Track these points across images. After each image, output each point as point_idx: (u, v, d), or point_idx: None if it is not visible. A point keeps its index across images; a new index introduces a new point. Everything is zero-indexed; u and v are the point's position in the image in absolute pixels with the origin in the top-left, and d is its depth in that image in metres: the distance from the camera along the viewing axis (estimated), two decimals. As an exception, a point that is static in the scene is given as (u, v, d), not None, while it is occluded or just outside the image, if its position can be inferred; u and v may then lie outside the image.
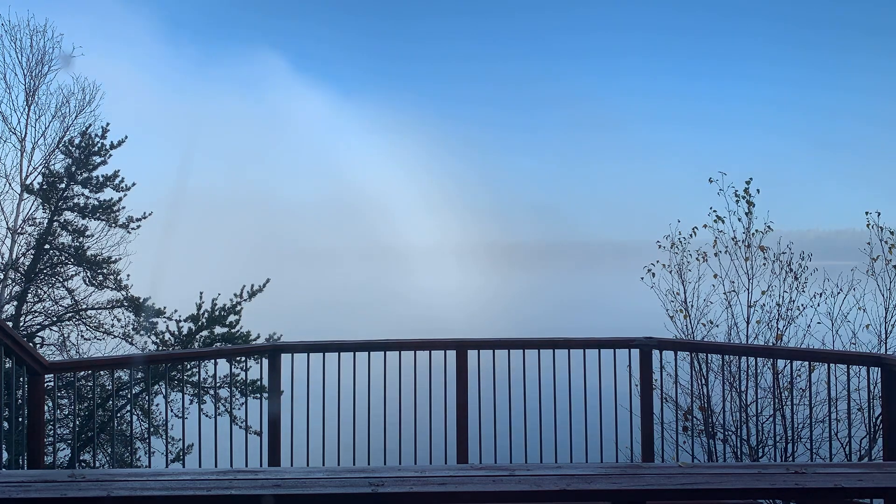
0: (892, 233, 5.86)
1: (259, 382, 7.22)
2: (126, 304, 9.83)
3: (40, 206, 9.86)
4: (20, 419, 4.10)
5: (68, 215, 9.96)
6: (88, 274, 9.87)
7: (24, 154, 9.93)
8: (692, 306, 6.33)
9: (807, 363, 5.19)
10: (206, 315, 9.30)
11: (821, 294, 5.98)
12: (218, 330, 9.33)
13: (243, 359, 6.71)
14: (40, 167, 10.00)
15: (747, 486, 2.58)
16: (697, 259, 6.41)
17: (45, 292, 9.86)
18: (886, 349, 5.69)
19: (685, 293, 6.36)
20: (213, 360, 5.61)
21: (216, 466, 4.67)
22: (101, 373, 7.21)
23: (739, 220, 6.23)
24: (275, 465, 4.70)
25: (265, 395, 4.98)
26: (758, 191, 6.20)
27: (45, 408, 5.53)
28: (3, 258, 9.57)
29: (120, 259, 10.09)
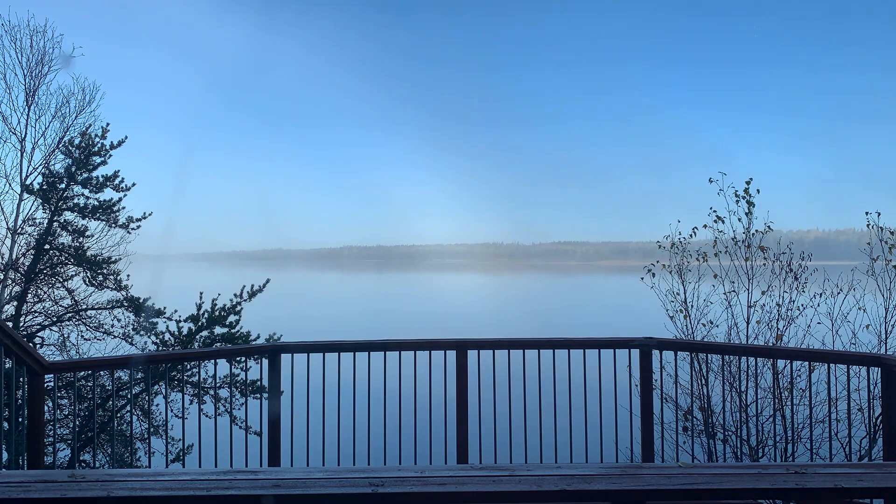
0: (892, 233, 5.87)
1: (259, 382, 7.22)
2: (126, 304, 9.82)
3: (40, 207, 9.85)
4: (20, 419, 4.10)
5: (68, 215, 9.95)
6: (88, 274, 9.86)
7: (24, 154, 9.91)
8: (692, 306, 6.34)
9: (807, 363, 5.20)
10: (206, 315, 9.29)
11: (821, 294, 5.98)
12: (218, 330, 9.32)
13: (243, 359, 6.71)
14: (40, 167, 9.98)
15: (747, 486, 2.58)
16: (697, 259, 6.41)
17: (45, 292, 9.85)
18: (886, 349, 5.70)
19: (685, 293, 6.37)
20: (213, 361, 5.61)
21: (216, 466, 4.68)
22: (101, 373, 7.22)
23: (739, 220, 6.24)
24: (275, 465, 4.70)
25: (265, 395, 4.98)
26: (758, 191, 6.21)
27: (45, 408, 5.53)
28: (3, 258, 9.56)
29: (120, 259, 10.09)
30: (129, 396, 8.28)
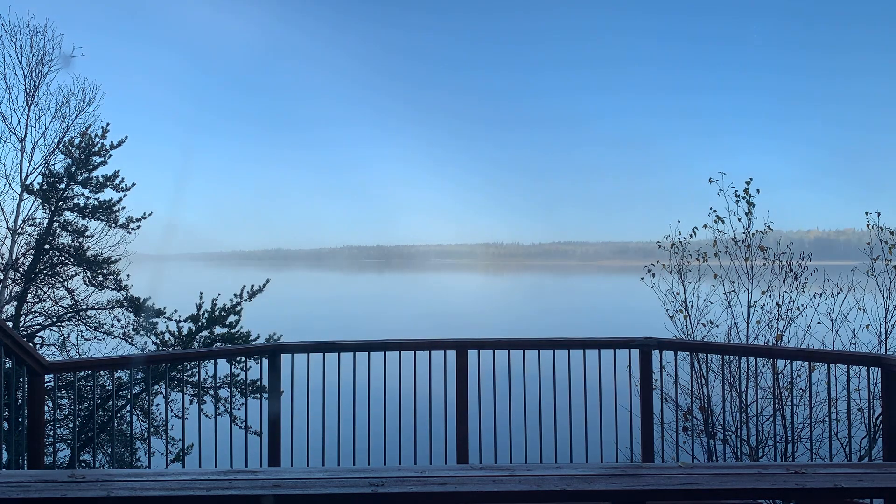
0: (892, 233, 5.87)
1: (259, 382, 7.22)
2: (126, 304, 9.82)
3: (40, 206, 9.85)
4: (20, 419, 4.10)
5: (68, 215, 9.95)
6: (88, 274, 9.87)
7: (24, 154, 9.91)
8: (692, 306, 6.34)
9: (807, 363, 5.20)
10: (206, 315, 9.30)
11: (821, 294, 5.98)
12: (218, 330, 9.32)
13: (243, 359, 6.71)
14: (40, 167, 9.98)
15: (747, 486, 2.58)
16: (697, 259, 6.41)
17: (45, 292, 9.86)
18: (886, 349, 5.70)
19: (685, 293, 6.37)
20: (213, 361, 5.61)
21: (216, 466, 4.68)
22: (101, 373, 7.22)
23: (739, 220, 6.24)
24: (275, 465, 4.70)
25: (265, 395, 4.98)
26: (758, 191, 6.21)
27: (45, 408, 5.53)
28: (3, 258, 9.57)
29: (120, 259, 10.09)
30: (129, 396, 8.29)
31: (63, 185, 9.80)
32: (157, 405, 9.22)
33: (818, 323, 5.91)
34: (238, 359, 6.35)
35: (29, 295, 9.65)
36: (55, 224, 9.82)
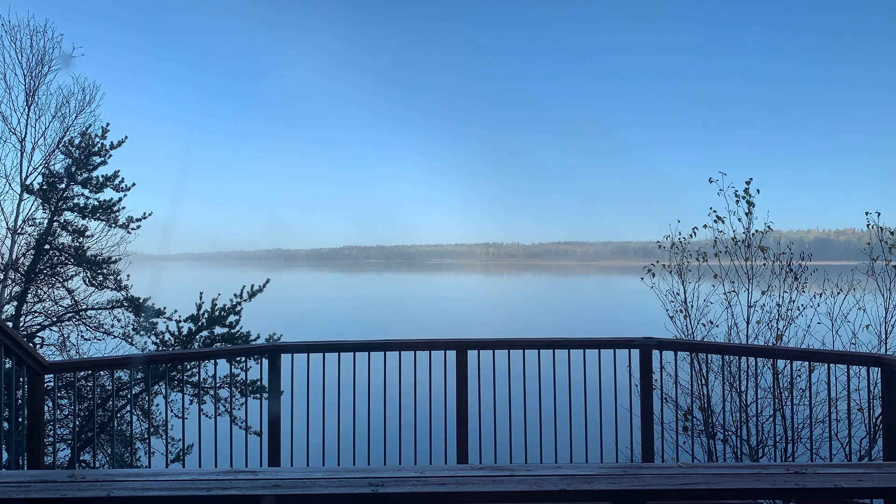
0: (892, 233, 5.87)
1: (259, 382, 7.22)
2: (126, 304, 9.82)
3: (40, 207, 9.85)
4: (20, 419, 4.10)
5: (68, 215, 9.95)
6: (88, 274, 9.87)
7: (24, 154, 9.91)
8: (692, 306, 6.34)
9: (807, 363, 5.20)
10: (206, 315, 9.29)
11: (821, 294, 5.98)
12: (218, 330, 9.32)
13: (243, 359, 6.71)
14: (40, 167, 9.98)
15: (747, 486, 2.58)
16: (697, 259, 6.41)
17: (45, 292, 9.86)
18: (886, 349, 5.70)
19: (685, 293, 6.37)
20: (213, 361, 5.62)
21: (216, 466, 4.68)
22: (101, 373, 7.22)
23: (739, 220, 6.24)
24: (275, 465, 4.70)
25: (265, 395, 4.98)
26: (758, 191, 6.22)
27: (45, 408, 5.53)
28: (3, 258, 9.57)
29: (120, 259, 10.09)
30: (129, 396, 8.29)
31: (63, 185, 9.80)
32: (157, 405, 9.22)
33: (818, 323, 5.91)
34: (238, 359, 6.35)
35: (29, 295, 9.65)
36: (55, 224, 9.82)
